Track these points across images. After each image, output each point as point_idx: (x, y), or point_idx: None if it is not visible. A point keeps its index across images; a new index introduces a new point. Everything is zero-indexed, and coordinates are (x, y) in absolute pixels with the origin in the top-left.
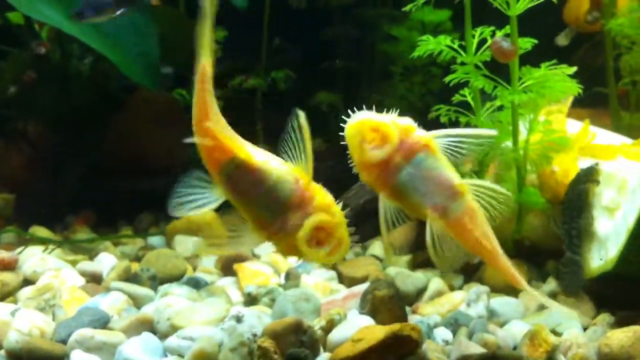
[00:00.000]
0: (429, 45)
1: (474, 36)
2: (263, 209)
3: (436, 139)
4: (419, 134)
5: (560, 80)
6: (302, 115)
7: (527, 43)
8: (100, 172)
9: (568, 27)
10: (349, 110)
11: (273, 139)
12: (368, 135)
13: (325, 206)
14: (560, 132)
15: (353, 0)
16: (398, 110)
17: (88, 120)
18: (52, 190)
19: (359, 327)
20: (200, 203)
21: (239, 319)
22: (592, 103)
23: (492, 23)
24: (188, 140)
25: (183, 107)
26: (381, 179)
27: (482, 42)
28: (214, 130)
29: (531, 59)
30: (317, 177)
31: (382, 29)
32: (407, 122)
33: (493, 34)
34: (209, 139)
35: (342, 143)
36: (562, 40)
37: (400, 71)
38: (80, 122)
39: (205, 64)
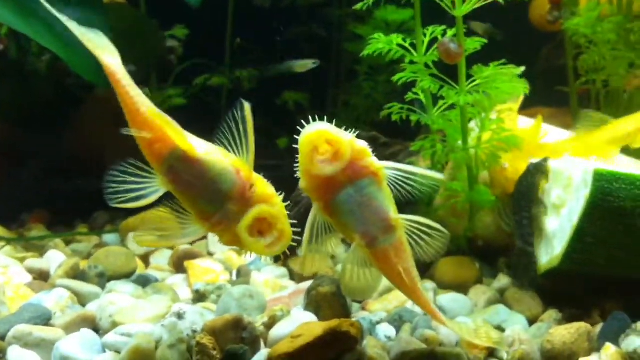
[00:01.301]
0: (379, 44)
1: (425, 35)
2: (205, 200)
3: (386, 169)
4: (371, 160)
5: (507, 80)
6: (247, 106)
7: (475, 43)
8: (57, 170)
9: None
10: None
11: None
12: (322, 146)
13: (267, 197)
14: (511, 130)
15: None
16: (356, 132)
17: (45, 117)
18: (8, 187)
19: (300, 324)
20: (139, 194)
21: (180, 316)
22: (557, 102)
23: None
24: (126, 132)
25: None
26: (321, 191)
27: (435, 41)
28: (153, 122)
29: (496, 58)
30: (282, 174)
31: (348, 28)
32: (363, 145)
33: (444, 34)
34: (147, 131)
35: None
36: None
37: (365, 70)
38: (38, 120)
39: (107, 63)
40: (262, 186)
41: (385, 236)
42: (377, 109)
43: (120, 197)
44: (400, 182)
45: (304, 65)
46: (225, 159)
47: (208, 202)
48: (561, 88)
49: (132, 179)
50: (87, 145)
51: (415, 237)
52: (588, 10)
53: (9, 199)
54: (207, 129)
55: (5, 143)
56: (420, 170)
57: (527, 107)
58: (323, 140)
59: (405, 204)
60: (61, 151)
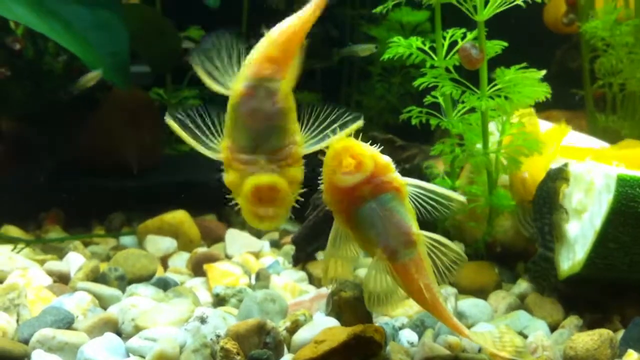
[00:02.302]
0: (399, 48)
1: (444, 38)
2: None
3: (409, 186)
4: (394, 175)
5: (528, 84)
6: None
7: (496, 46)
8: (73, 170)
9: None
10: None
11: None
12: (345, 160)
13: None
14: (532, 134)
15: (333, 0)
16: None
17: (62, 117)
18: (24, 187)
19: (323, 329)
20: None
21: (203, 320)
22: (571, 104)
23: (473, 24)
24: None
25: (158, 107)
26: (343, 205)
27: (454, 44)
28: None
29: (510, 59)
30: None
31: (361, 29)
32: (387, 160)
33: (464, 37)
34: None
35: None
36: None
37: (378, 71)
38: (54, 119)
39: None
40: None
41: (406, 250)
42: (390, 111)
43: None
44: (421, 200)
45: (367, 49)
46: None
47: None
48: (576, 91)
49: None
50: (103, 145)
51: (433, 256)
52: (605, 13)
53: (25, 198)
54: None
55: (21, 142)
56: (443, 191)
57: (542, 109)
58: (347, 155)
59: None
60: (77, 151)
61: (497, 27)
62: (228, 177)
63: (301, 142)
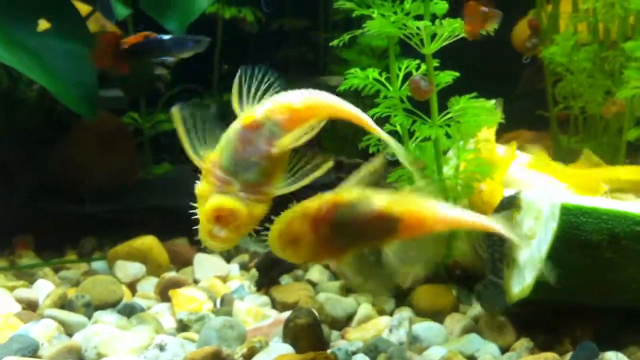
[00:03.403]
0: (355, 79)
1: (400, 69)
2: None
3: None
4: (325, 198)
5: (476, 114)
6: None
7: (448, 77)
8: (45, 195)
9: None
10: None
11: None
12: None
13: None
14: (486, 160)
15: (306, 24)
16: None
17: (35, 143)
18: None
19: (276, 356)
20: None
21: (161, 348)
22: (539, 124)
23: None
24: None
25: (131, 131)
26: (323, 242)
27: (410, 74)
28: None
29: (479, 81)
30: None
31: (334, 52)
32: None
33: (418, 68)
34: None
35: None
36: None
37: (351, 94)
38: (28, 145)
39: None
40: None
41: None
42: (364, 132)
43: None
44: None
45: None
46: None
47: None
48: (542, 112)
49: None
50: (74, 169)
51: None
52: (564, 39)
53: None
54: None
55: None
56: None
57: (510, 129)
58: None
59: None
60: (49, 176)
61: (463, 47)
62: (200, 187)
63: (279, 186)
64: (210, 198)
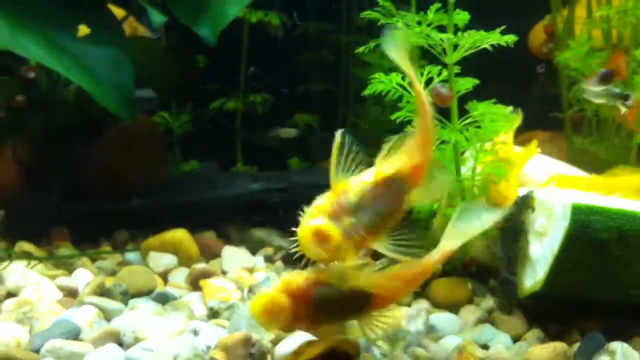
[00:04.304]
0: (380, 85)
1: (422, 75)
2: None
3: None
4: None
5: (494, 119)
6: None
7: (468, 83)
8: (82, 192)
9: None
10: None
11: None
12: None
13: None
14: (503, 161)
15: (328, 28)
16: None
17: (72, 142)
18: (38, 207)
19: (302, 342)
20: None
21: (195, 332)
22: (555, 125)
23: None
24: None
25: (163, 131)
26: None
27: (432, 80)
28: None
29: (495, 85)
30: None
31: (357, 54)
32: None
33: (440, 73)
34: None
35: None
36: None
37: (372, 95)
38: (65, 144)
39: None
40: None
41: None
42: (386, 131)
43: None
44: None
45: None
46: None
47: None
48: (556, 114)
49: None
50: (108, 168)
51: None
52: (578, 45)
53: (39, 218)
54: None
55: (35, 167)
56: None
57: (526, 130)
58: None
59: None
60: (85, 174)
61: (480, 51)
62: (319, 201)
63: (380, 242)
64: (318, 217)
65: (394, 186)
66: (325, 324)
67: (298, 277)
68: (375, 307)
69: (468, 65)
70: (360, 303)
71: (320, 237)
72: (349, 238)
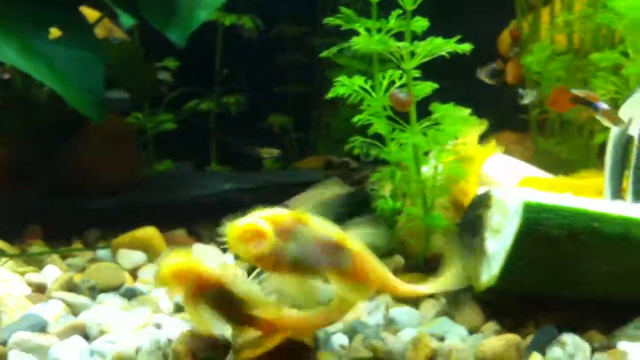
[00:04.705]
0: (341, 88)
1: (384, 77)
2: None
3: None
4: (288, 215)
5: (453, 122)
6: None
7: (427, 87)
8: (56, 190)
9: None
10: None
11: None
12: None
13: None
14: (464, 160)
15: (302, 30)
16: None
17: (46, 142)
18: (12, 205)
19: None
20: None
21: (159, 326)
22: (523, 127)
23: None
24: None
25: (136, 130)
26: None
27: (393, 83)
28: None
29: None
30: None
31: (329, 57)
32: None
33: (401, 77)
34: None
35: None
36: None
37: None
38: (39, 144)
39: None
40: None
41: (342, 256)
42: (356, 132)
43: None
44: None
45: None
46: None
47: None
48: (523, 116)
49: None
50: (82, 167)
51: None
52: (540, 49)
53: (11, 216)
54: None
55: (8, 166)
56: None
57: (497, 131)
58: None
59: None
60: (59, 173)
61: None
62: (278, 210)
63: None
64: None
65: (338, 256)
66: (303, 272)
67: (285, 214)
68: (355, 270)
69: (436, 68)
70: (340, 259)
71: (253, 234)
72: (273, 256)
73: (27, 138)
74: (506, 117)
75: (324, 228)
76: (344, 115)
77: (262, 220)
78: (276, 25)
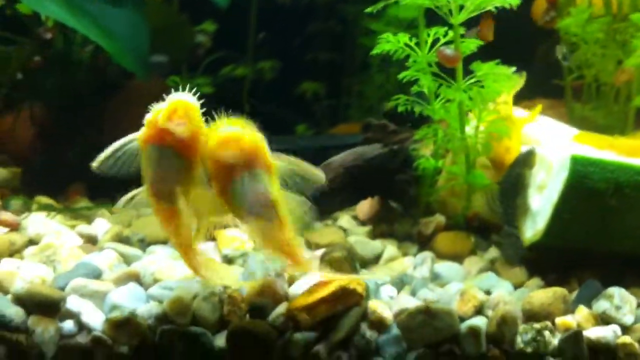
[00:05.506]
0: (387, 44)
1: (428, 35)
2: None
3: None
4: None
5: (496, 79)
6: None
7: (472, 44)
8: (97, 150)
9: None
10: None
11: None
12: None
13: None
14: (504, 121)
15: None
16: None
17: (88, 102)
18: (54, 164)
19: (317, 280)
20: None
21: None
22: (555, 94)
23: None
24: None
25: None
26: (220, 176)
27: (438, 40)
28: None
29: (498, 53)
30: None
31: (362, 24)
32: (262, 139)
33: (446, 34)
34: None
35: None
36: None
37: (377, 62)
38: (81, 104)
39: None
40: None
41: (267, 213)
42: (389, 99)
43: None
44: (290, 175)
45: None
46: None
47: None
48: (558, 81)
49: None
50: (123, 127)
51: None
52: (579, 12)
53: (55, 174)
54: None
55: (51, 126)
56: (306, 166)
57: (529, 98)
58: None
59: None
60: (100, 132)
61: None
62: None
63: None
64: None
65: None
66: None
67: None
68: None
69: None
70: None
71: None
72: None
73: (68, 98)
74: (540, 83)
75: (276, 186)
76: (378, 82)
77: (195, 100)
78: None
